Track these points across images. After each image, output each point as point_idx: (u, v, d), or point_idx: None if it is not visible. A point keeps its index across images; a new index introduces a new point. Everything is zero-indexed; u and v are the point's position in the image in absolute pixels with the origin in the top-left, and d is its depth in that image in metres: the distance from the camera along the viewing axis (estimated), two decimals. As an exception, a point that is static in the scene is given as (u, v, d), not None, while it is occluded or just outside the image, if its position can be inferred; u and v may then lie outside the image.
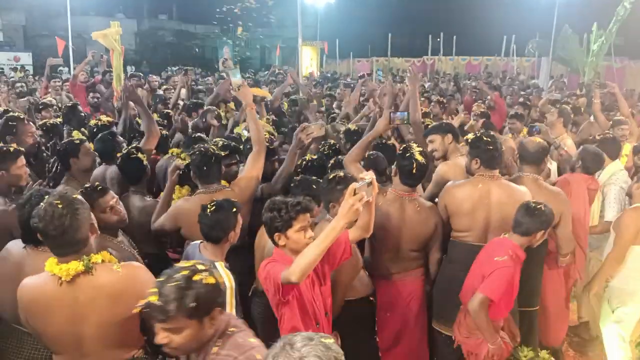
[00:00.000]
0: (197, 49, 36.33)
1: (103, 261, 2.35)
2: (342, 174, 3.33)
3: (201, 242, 3.10)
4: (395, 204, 3.60)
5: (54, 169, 4.40)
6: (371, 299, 3.52)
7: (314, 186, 3.47)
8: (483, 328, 3.22)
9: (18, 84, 9.23)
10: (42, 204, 2.28)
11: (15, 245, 2.83)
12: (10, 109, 6.05)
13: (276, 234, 2.64)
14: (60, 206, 2.23)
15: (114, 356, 2.43)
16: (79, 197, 2.37)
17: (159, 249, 3.94)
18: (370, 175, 2.37)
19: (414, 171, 3.52)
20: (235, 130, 5.71)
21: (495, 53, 26.71)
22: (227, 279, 2.82)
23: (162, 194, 3.87)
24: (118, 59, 8.09)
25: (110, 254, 2.48)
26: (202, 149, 3.69)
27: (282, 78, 12.31)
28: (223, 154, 3.81)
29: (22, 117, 4.77)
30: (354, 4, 31.51)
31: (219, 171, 3.72)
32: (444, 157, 4.30)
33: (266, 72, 16.72)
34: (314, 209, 2.74)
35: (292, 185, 3.60)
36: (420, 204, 3.66)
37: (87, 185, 3.15)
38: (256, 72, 18.84)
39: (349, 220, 2.34)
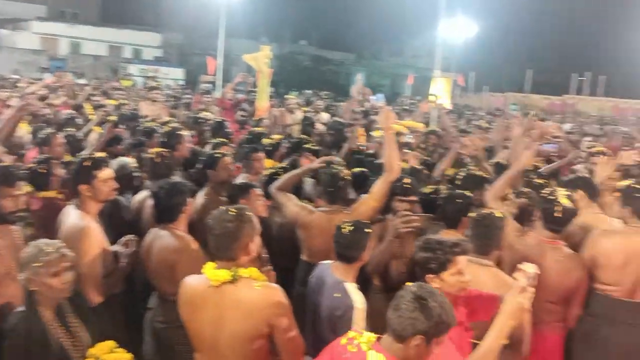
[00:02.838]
0: (330, 74, 37.59)
1: (250, 277, 2.48)
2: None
3: (332, 262, 3.13)
4: (534, 249, 3.40)
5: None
6: None
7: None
8: None
9: (186, 96, 10.21)
10: (220, 207, 2.58)
11: None
12: (171, 120, 6.71)
13: (429, 275, 2.54)
14: (231, 213, 2.47)
15: None
16: (252, 215, 2.55)
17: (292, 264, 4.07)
18: (533, 269, 2.27)
19: (556, 214, 3.34)
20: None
21: (648, 97, 24.51)
22: (358, 301, 2.87)
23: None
24: (264, 81, 8.71)
25: None
26: (333, 170, 3.85)
27: (414, 108, 12.28)
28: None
29: (181, 129, 5.27)
30: (494, 37, 30.69)
31: (344, 194, 3.83)
32: None
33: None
34: (470, 251, 2.66)
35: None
36: (565, 254, 3.42)
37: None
38: (389, 102, 18.92)
39: (515, 319, 2.22)
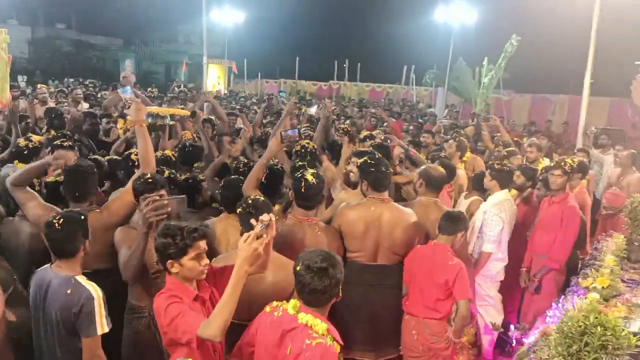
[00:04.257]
0: (97, 61, 34.72)
1: None
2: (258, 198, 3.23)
3: (50, 264, 2.90)
4: (294, 228, 3.56)
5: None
6: None
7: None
8: (463, 327, 3.74)
9: None
10: None
11: None
12: None
13: (169, 261, 2.49)
14: None
15: None
16: None
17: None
18: (267, 217, 2.36)
19: (303, 190, 3.51)
20: None
21: (396, 81, 28.01)
22: (94, 289, 2.74)
23: None
24: (4, 69, 7.54)
25: None
26: (74, 165, 3.48)
27: (184, 96, 12.01)
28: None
29: None
30: (262, 26, 31.75)
31: (89, 191, 3.51)
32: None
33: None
34: (210, 235, 2.66)
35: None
36: (320, 228, 3.64)
37: None
38: (164, 90, 18.15)
39: (251, 265, 2.30)
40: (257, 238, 2.27)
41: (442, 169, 4.40)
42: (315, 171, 3.68)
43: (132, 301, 3.26)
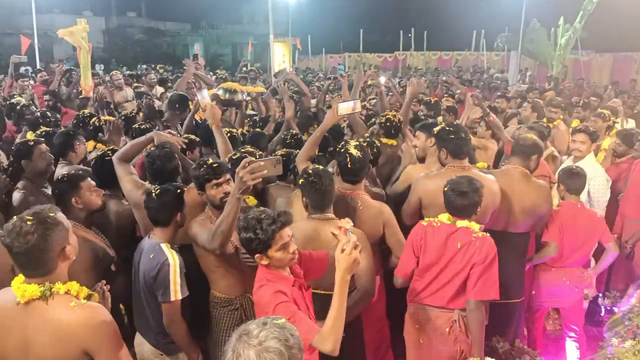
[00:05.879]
0: (167, 46, 35.83)
1: (67, 292, 2.14)
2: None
3: (150, 233, 3.14)
4: (337, 203, 3.34)
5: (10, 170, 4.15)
6: None
7: None
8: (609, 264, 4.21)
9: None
10: (14, 217, 2.13)
11: None
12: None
13: (257, 255, 2.45)
14: (29, 223, 2.06)
15: None
16: (57, 216, 2.15)
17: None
18: (350, 223, 2.34)
19: (349, 166, 3.42)
20: None
21: (465, 48, 27.05)
22: (172, 257, 2.91)
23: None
24: (85, 57, 7.95)
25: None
26: (156, 148, 3.69)
27: (254, 75, 12.19)
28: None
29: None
30: (325, 0, 31.50)
31: (173, 171, 3.67)
32: (423, 157, 4.33)
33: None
34: (292, 221, 2.55)
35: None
36: (363, 202, 3.47)
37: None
38: (232, 71, 18.43)
39: (352, 272, 2.25)
40: (355, 247, 2.22)
41: (532, 137, 4.04)
42: (358, 143, 3.56)
43: (219, 293, 3.24)
